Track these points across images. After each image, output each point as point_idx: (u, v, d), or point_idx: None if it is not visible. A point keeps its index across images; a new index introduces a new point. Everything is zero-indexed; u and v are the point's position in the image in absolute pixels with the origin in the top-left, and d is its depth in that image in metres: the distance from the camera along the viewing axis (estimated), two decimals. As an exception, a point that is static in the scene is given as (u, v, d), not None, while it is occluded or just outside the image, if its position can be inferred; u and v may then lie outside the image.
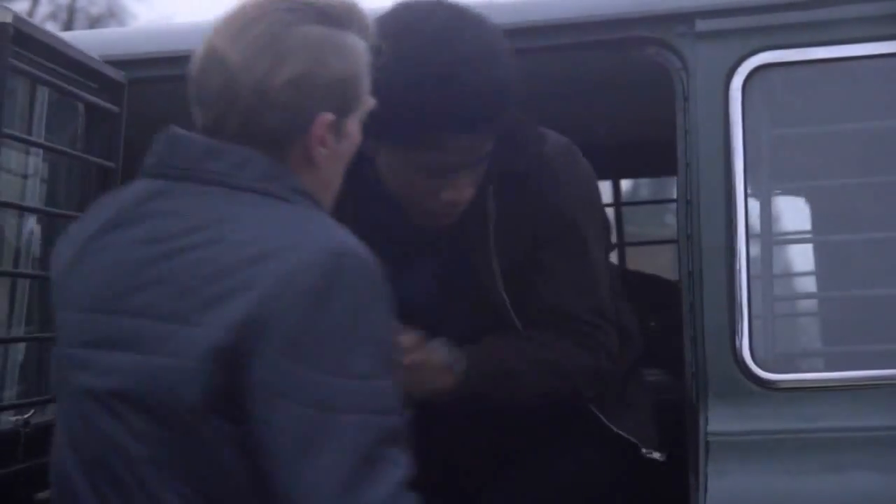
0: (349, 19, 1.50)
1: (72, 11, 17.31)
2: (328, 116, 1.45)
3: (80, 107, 2.00)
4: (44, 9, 16.84)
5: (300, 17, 1.46)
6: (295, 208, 1.44)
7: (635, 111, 2.60)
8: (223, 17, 1.50)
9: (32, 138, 2.03)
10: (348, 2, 1.53)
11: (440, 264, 2.08)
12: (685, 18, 1.91)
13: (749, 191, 1.82)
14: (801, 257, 1.90)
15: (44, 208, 2.10)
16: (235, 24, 1.47)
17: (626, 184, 4.15)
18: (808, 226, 1.92)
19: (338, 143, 1.51)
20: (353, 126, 1.53)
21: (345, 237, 1.40)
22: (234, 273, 1.34)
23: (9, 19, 1.70)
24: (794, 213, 1.91)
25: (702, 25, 1.90)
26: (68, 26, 15.50)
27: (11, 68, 1.71)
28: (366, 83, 1.54)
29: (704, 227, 1.81)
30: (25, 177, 2.12)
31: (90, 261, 1.46)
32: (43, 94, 2.02)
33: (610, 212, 3.36)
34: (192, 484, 1.35)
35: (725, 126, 1.85)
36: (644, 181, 5.00)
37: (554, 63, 2.20)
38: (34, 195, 2.12)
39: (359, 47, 1.50)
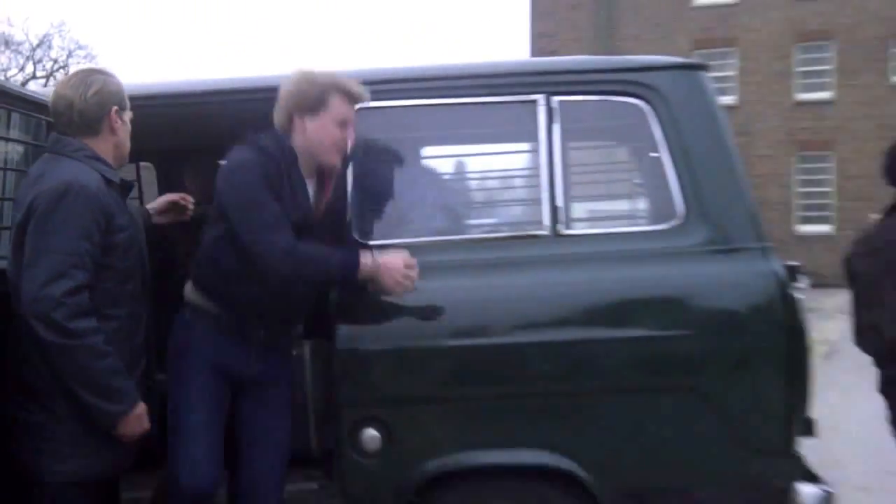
0: (103, 74, 3.18)
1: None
2: (114, 108, 3.10)
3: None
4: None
5: (94, 74, 3.14)
6: (75, 163, 3.00)
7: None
8: (61, 80, 3.14)
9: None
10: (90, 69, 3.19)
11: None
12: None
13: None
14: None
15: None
16: (66, 81, 3.11)
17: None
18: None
19: (123, 124, 3.15)
20: (126, 119, 3.18)
21: (77, 175, 2.94)
22: (33, 190, 2.94)
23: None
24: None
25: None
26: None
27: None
28: (125, 101, 3.17)
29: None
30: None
31: None
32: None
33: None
34: None
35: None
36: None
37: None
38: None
39: (111, 82, 3.14)
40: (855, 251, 4.09)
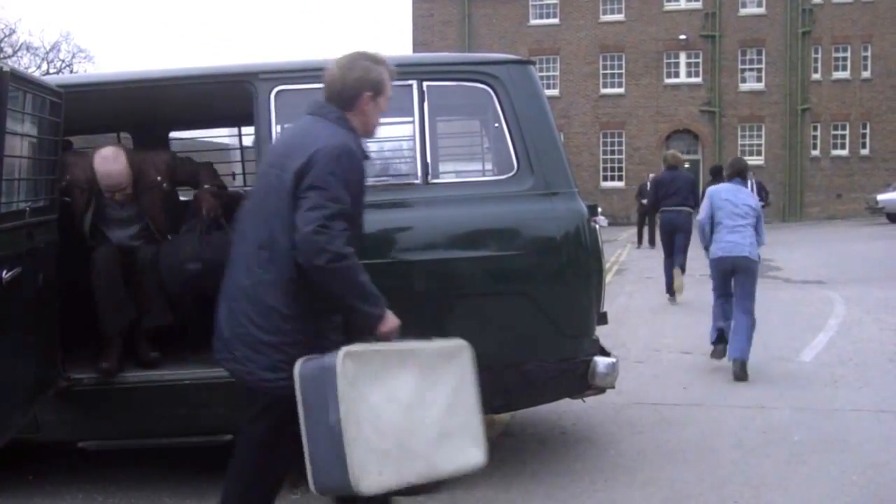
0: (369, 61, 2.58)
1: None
2: (367, 93, 2.51)
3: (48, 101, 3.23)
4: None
5: (360, 59, 2.55)
6: (328, 124, 2.46)
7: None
8: (338, 59, 2.56)
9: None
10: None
11: None
12: (255, 74, 3.52)
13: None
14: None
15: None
16: (339, 60, 2.55)
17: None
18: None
19: (374, 106, 2.55)
20: (380, 102, 2.56)
21: (345, 140, 2.40)
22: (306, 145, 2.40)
23: (7, 69, 2.67)
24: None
25: (261, 76, 3.50)
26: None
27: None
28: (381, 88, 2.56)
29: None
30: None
31: None
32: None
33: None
34: None
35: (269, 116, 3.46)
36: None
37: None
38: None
39: (373, 69, 2.53)
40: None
